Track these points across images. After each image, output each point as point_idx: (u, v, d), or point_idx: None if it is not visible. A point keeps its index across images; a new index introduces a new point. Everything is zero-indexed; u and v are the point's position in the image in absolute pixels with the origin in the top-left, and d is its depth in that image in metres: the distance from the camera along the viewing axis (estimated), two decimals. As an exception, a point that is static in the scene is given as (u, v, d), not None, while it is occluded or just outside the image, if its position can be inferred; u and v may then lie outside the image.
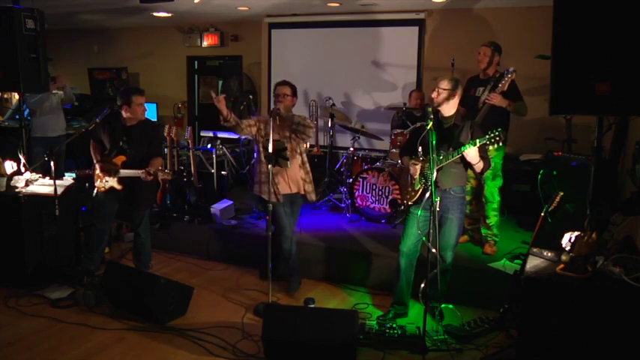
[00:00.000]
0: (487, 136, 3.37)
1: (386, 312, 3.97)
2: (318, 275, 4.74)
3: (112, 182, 4.31)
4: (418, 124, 3.64)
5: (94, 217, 4.58)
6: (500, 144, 3.39)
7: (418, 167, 3.68)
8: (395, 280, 3.92)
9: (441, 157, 3.53)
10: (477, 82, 4.64)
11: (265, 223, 4.35)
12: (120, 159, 4.30)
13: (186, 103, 9.22)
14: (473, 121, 3.76)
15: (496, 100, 4.28)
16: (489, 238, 4.70)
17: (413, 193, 3.76)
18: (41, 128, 6.11)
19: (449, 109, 3.67)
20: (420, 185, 3.71)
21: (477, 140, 3.41)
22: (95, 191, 4.45)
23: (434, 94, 3.66)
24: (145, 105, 4.36)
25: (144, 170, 4.16)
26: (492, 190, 4.61)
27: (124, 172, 4.27)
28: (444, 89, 3.61)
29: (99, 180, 4.40)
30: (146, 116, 4.45)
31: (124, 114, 4.28)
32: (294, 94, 4.24)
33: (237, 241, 5.22)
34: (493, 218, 4.65)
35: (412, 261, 3.84)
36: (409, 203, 3.80)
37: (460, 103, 4.81)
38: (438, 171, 3.52)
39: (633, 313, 2.63)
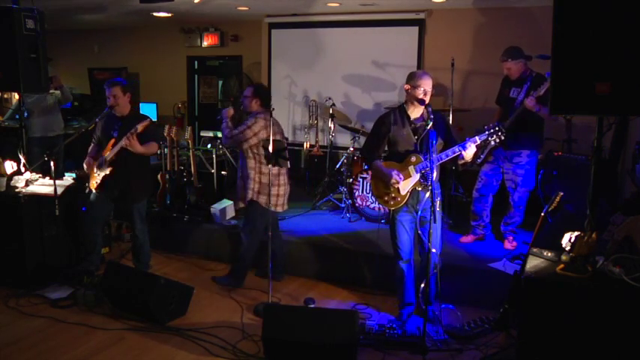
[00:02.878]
0: (487, 132, 3.36)
1: (399, 315, 3.92)
2: (318, 275, 4.73)
3: (104, 171, 4.32)
4: (419, 124, 3.61)
5: (84, 217, 4.58)
6: (502, 138, 3.37)
7: (402, 176, 3.58)
8: (400, 285, 3.89)
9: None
10: (512, 81, 4.63)
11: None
12: (110, 143, 4.32)
13: (186, 103, 9.22)
14: (440, 113, 3.72)
15: (532, 104, 4.29)
16: (508, 234, 4.78)
17: (399, 199, 3.65)
18: (39, 128, 6.11)
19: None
20: (408, 189, 3.61)
21: (477, 137, 3.40)
22: (87, 191, 4.47)
23: (424, 96, 3.54)
24: (116, 96, 4.30)
25: (124, 138, 4.15)
26: (521, 195, 4.65)
27: (109, 154, 4.29)
28: (430, 90, 3.56)
29: (92, 179, 4.42)
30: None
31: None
32: (254, 94, 4.38)
33: (237, 241, 5.20)
34: (517, 218, 4.74)
35: (411, 262, 3.84)
36: (392, 209, 3.72)
37: (496, 102, 4.84)
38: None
39: (633, 313, 2.63)
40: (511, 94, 4.58)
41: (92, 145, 4.56)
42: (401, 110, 3.70)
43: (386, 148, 3.82)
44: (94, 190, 4.44)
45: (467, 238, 4.91)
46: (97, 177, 4.37)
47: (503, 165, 4.66)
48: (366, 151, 3.88)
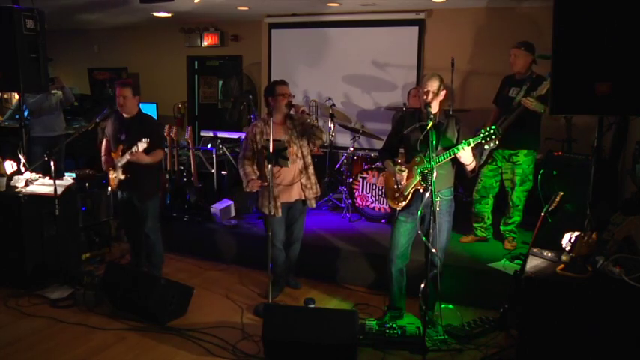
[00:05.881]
0: (481, 135, 3.32)
1: (381, 315, 3.95)
2: (318, 275, 4.74)
3: (118, 175, 4.34)
4: (418, 124, 3.60)
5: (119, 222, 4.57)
6: (497, 142, 3.34)
7: (405, 174, 3.61)
8: (388, 286, 3.90)
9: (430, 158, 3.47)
10: (513, 81, 4.61)
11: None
12: (119, 148, 4.34)
13: (186, 103, 9.22)
14: (457, 117, 3.72)
15: (531, 104, 4.28)
16: (508, 235, 4.79)
17: (402, 199, 3.68)
18: (40, 128, 6.12)
19: (434, 107, 3.57)
20: (410, 190, 3.63)
21: (471, 140, 3.35)
22: (109, 191, 4.49)
23: (425, 96, 3.53)
24: (126, 97, 4.31)
25: (128, 155, 4.17)
26: (520, 195, 4.64)
27: (120, 160, 4.31)
28: (434, 91, 3.53)
29: (111, 180, 4.44)
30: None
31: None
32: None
33: (237, 241, 5.22)
34: (516, 218, 4.74)
35: (402, 269, 3.81)
36: (398, 209, 3.71)
37: (493, 102, 4.82)
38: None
39: (633, 313, 2.63)
40: (510, 93, 4.56)
41: (104, 142, 4.56)
42: (417, 111, 3.73)
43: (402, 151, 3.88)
44: (110, 188, 4.48)
45: (467, 238, 4.90)
46: (114, 179, 4.39)
47: (502, 165, 4.66)
48: (381, 150, 3.99)
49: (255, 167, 4.19)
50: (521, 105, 4.34)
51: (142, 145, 4.11)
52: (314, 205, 4.25)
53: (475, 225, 4.89)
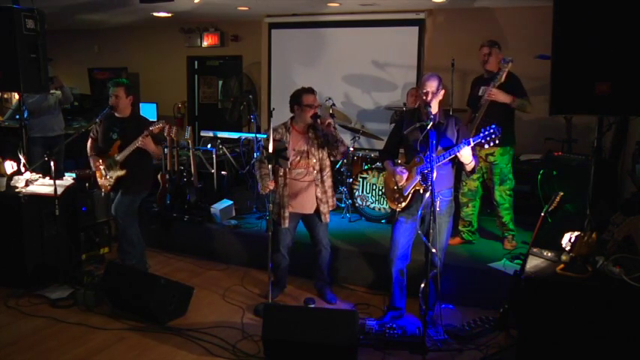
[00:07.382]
0: (482, 134, 3.33)
1: (382, 315, 3.94)
2: (318, 275, 4.73)
3: (116, 173, 4.32)
4: (418, 124, 3.60)
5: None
6: (497, 141, 3.34)
7: (405, 176, 3.60)
8: (388, 286, 3.90)
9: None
10: (481, 81, 4.62)
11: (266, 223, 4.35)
12: (116, 145, 4.34)
13: (186, 103, 9.22)
14: (456, 117, 3.71)
15: (494, 95, 4.25)
16: (506, 234, 4.76)
17: (402, 199, 3.68)
18: (39, 128, 6.12)
19: (434, 107, 3.55)
20: (410, 190, 3.62)
21: (471, 139, 3.36)
22: (103, 192, 4.49)
23: (424, 97, 3.53)
24: (119, 96, 4.34)
25: (141, 138, 4.19)
26: (502, 193, 4.61)
27: (121, 155, 4.31)
28: (434, 91, 3.53)
29: (102, 181, 4.42)
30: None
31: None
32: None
33: (237, 241, 5.22)
34: (506, 217, 4.70)
35: (402, 269, 3.81)
36: (398, 210, 3.72)
37: (467, 104, 4.81)
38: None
39: (633, 313, 2.63)
40: (480, 93, 4.52)
41: (90, 140, 4.57)
42: (416, 111, 3.73)
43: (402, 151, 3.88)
44: (104, 192, 4.47)
45: (454, 241, 4.81)
46: (109, 179, 4.38)
47: (483, 166, 4.63)
48: (381, 151, 3.99)
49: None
50: (487, 101, 4.31)
51: (158, 127, 4.18)
52: (328, 220, 4.16)
53: (462, 228, 4.86)
